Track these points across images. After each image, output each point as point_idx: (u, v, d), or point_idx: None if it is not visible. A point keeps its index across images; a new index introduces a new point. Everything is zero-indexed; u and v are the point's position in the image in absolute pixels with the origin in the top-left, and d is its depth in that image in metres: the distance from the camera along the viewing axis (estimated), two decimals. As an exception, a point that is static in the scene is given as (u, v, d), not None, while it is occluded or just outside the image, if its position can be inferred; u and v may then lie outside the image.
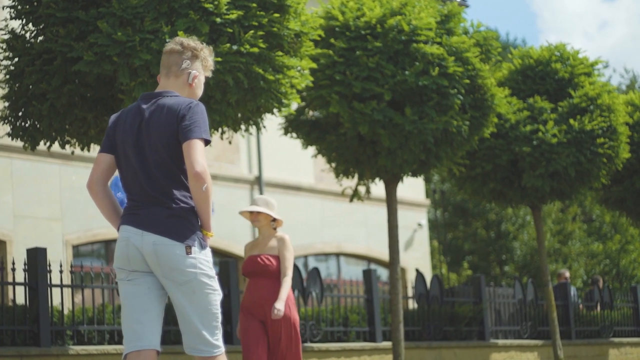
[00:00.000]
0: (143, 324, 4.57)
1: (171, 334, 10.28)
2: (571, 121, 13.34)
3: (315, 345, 11.68)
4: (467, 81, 11.03)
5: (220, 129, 9.38)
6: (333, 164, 11.67)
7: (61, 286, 9.71)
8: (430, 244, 28.74)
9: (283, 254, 7.52)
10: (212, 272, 4.60)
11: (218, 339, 4.58)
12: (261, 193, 21.63)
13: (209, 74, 4.88)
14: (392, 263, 11.70)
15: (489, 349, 14.11)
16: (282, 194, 22.08)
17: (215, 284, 4.60)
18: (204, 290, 4.54)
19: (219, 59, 8.34)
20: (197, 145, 4.48)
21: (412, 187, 24.78)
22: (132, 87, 8.42)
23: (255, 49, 8.51)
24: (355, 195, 11.79)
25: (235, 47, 8.47)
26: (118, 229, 4.70)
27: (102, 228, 18.68)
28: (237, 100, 8.86)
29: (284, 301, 7.36)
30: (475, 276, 14.64)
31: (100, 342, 9.92)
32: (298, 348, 7.56)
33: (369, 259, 23.98)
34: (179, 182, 4.58)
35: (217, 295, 4.60)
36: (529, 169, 13.41)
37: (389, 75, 10.71)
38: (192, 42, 4.79)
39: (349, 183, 12.29)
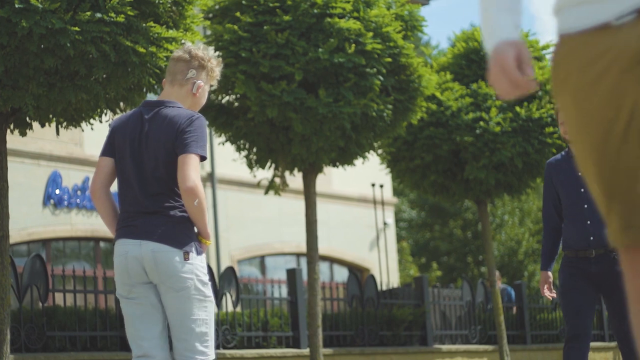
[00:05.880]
0: (150, 340, 4.70)
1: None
2: (517, 108, 12.30)
3: (229, 352, 10.64)
4: (389, 60, 9.96)
5: (98, 110, 8.31)
6: (243, 153, 10.61)
7: None
8: (399, 244, 27.69)
9: None
10: (207, 278, 4.68)
11: (207, 347, 4.67)
12: (214, 190, 20.59)
13: (215, 84, 4.96)
14: (310, 261, 10.65)
15: (432, 354, 13.05)
16: (237, 191, 21.05)
17: (208, 290, 4.69)
18: (197, 297, 4.63)
19: (77, 29, 7.30)
20: (192, 160, 4.57)
21: (383, 185, 23.75)
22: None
23: (122, 18, 7.47)
24: (271, 187, 10.73)
25: (98, 15, 7.42)
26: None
27: (39, 227, 17.65)
28: (107, 77, 7.80)
29: None
30: (417, 277, 13.60)
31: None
32: None
33: (331, 259, 22.94)
34: (175, 192, 4.65)
35: (209, 303, 4.68)
36: (472, 160, 12.36)
37: (300, 53, 9.65)
38: (201, 52, 4.88)
39: (266, 174, 11.24)
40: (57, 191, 17.83)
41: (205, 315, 4.66)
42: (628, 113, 2.21)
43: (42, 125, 8.47)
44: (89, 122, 8.57)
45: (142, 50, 7.64)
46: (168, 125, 4.65)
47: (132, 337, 4.76)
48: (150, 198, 4.64)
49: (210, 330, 4.69)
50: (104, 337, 9.66)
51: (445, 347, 13.30)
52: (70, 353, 9.33)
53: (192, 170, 4.55)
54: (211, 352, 4.71)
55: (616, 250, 6.24)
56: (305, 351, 11.29)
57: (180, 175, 4.55)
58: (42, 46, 7.40)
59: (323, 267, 22.72)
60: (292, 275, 11.64)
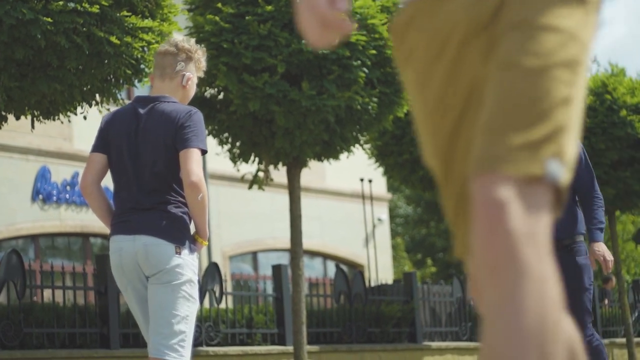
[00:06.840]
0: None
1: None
2: (508, 102, 12.11)
3: (212, 350, 10.45)
4: (374, 52, 9.77)
5: (74, 103, 8.12)
6: (226, 147, 10.42)
7: None
8: (394, 240, 27.51)
9: None
10: (196, 278, 4.63)
11: (184, 347, 4.53)
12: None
13: (201, 74, 4.94)
14: (295, 257, 10.47)
15: (421, 351, 12.87)
16: (228, 186, 20.86)
17: (195, 291, 4.61)
18: (182, 293, 4.55)
19: (49, 19, 7.12)
20: (194, 154, 4.54)
21: (372, 181, 23.58)
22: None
23: (96, 8, 7.29)
24: (255, 182, 10.54)
25: (71, 5, 7.25)
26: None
27: (27, 222, 17.47)
28: (82, 69, 7.62)
29: None
30: (406, 273, 13.42)
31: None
32: None
33: (324, 255, 22.76)
34: (172, 188, 4.61)
35: (193, 303, 4.60)
36: (461, 155, 12.17)
37: (283, 45, 9.46)
38: (187, 43, 4.87)
39: (250, 168, 11.06)
40: (46, 186, 17.66)
41: (186, 313, 4.57)
42: (464, 98, 1.78)
43: (17, 118, 8.28)
44: (66, 115, 8.39)
45: (116, 41, 7.46)
46: (166, 121, 4.63)
47: (141, 329, 4.75)
48: (147, 194, 4.62)
49: (189, 331, 4.58)
50: (83, 334, 9.47)
51: (435, 344, 13.11)
52: (48, 350, 9.13)
53: (195, 164, 4.53)
54: (187, 354, 4.57)
55: (570, 241, 5.89)
56: (290, 348, 11.11)
57: (183, 170, 4.52)
58: (14, 36, 7.23)
59: (316, 263, 22.56)
60: (277, 271, 11.47)
